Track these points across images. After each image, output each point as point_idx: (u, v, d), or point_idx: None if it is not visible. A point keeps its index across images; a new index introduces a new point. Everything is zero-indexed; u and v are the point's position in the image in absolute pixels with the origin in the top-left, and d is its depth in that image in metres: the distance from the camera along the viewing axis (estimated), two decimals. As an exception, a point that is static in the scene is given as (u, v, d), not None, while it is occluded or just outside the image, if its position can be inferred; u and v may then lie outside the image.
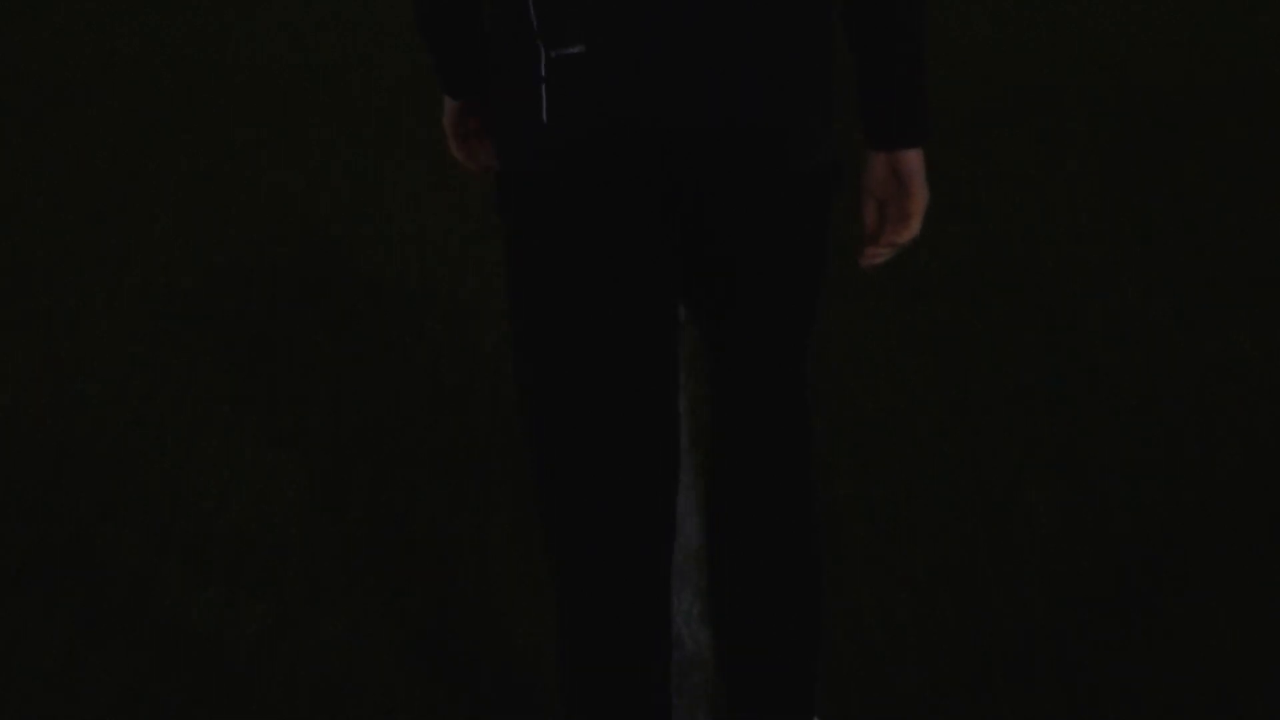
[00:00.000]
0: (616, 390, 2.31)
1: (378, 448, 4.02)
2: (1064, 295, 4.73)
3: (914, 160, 2.36)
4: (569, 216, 2.24)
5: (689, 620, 3.27)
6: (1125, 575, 3.44)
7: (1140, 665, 3.15)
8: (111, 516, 3.75)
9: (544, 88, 2.20)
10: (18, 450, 4.06)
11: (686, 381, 3.64)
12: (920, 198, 2.39)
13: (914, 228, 2.41)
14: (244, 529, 3.70)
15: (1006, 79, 6.65)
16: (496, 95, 2.29)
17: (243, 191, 5.62)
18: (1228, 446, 3.95)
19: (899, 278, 4.78)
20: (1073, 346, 4.43)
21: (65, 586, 3.49)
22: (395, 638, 3.31)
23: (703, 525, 2.83)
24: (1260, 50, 6.85)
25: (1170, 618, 3.29)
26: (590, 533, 2.39)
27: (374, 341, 4.53)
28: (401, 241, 5.17)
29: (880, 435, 4.00)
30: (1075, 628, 3.26)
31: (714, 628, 2.68)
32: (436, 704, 3.10)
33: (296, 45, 7.20)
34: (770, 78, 2.20)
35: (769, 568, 2.56)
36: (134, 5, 7.77)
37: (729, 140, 2.21)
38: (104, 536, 3.67)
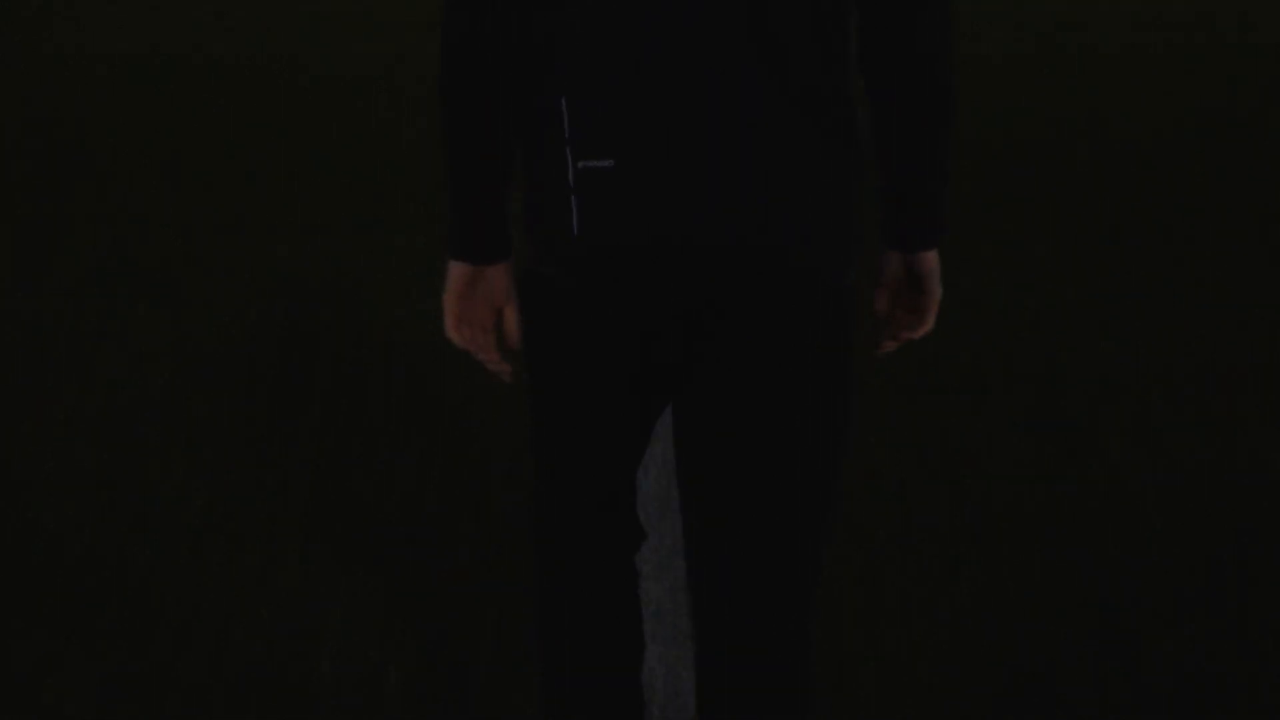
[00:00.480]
0: (595, 472, 2.39)
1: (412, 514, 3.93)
2: (1080, 400, 4.50)
3: (931, 260, 2.35)
4: (589, 326, 2.27)
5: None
6: (1151, 700, 3.22)
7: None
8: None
9: (574, 199, 2.21)
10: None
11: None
12: (935, 295, 2.38)
13: (928, 323, 2.41)
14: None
15: (1016, 173, 6.52)
16: (527, 201, 2.27)
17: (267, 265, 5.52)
18: (1251, 560, 3.69)
19: (907, 375, 4.54)
20: (1090, 456, 4.18)
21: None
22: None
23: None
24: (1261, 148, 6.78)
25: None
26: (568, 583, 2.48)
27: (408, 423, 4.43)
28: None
29: (890, 571, 3.65)
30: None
31: None
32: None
33: (309, 112, 7.11)
34: (798, 199, 2.20)
35: None
36: (162, 78, 7.70)
37: (756, 259, 2.20)
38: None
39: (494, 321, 2.34)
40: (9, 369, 4.61)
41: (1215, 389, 4.55)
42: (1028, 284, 5.29)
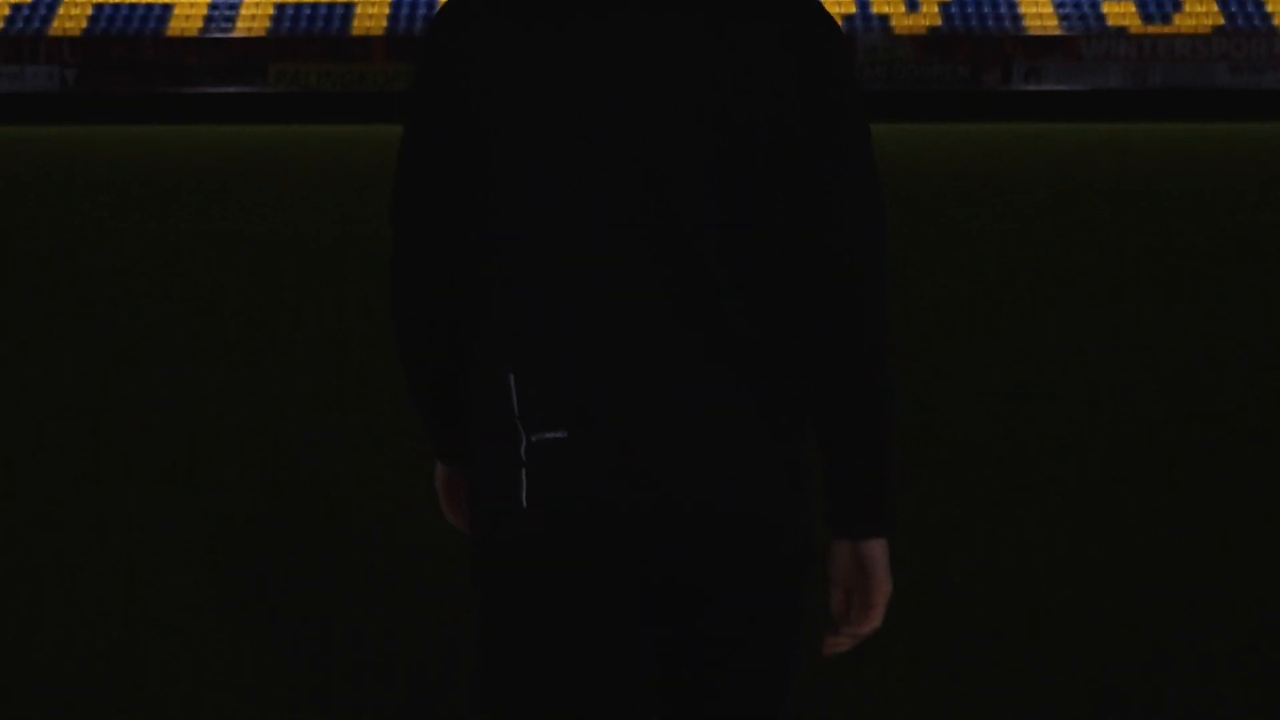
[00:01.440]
0: None
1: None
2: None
3: (877, 550, 2.31)
4: (541, 598, 2.23)
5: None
6: None
7: None
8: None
9: (524, 472, 2.21)
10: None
11: None
12: (883, 588, 2.32)
13: (875, 619, 2.34)
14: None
15: (973, 470, 6.55)
16: (476, 471, 2.26)
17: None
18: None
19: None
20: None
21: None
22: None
23: None
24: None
25: None
26: None
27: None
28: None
29: None
30: None
31: None
32: None
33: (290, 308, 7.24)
34: (748, 468, 2.22)
35: None
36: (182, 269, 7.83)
37: (706, 526, 2.21)
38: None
39: None
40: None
41: None
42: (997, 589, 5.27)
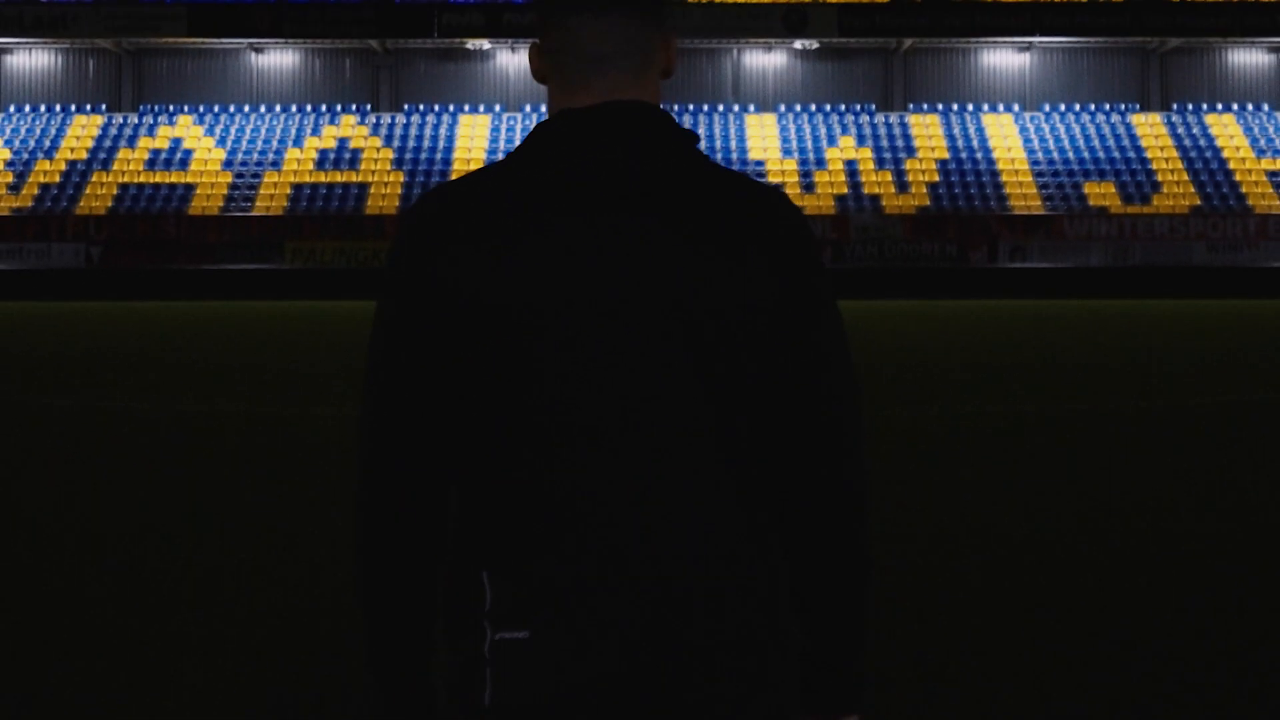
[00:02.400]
0: None
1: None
2: None
3: None
4: None
5: None
6: None
7: None
8: None
9: (488, 670, 2.12)
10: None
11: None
12: None
13: None
14: None
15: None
16: (443, 671, 2.18)
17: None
18: None
19: None
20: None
21: None
22: None
23: None
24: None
25: None
26: None
27: None
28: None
29: None
30: None
31: None
32: None
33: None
34: (717, 653, 2.13)
35: None
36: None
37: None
38: None
39: None
40: None
41: None
42: None
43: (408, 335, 2.16)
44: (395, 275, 2.19)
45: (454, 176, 64.35)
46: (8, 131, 68.13)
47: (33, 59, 70.92)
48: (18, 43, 68.41)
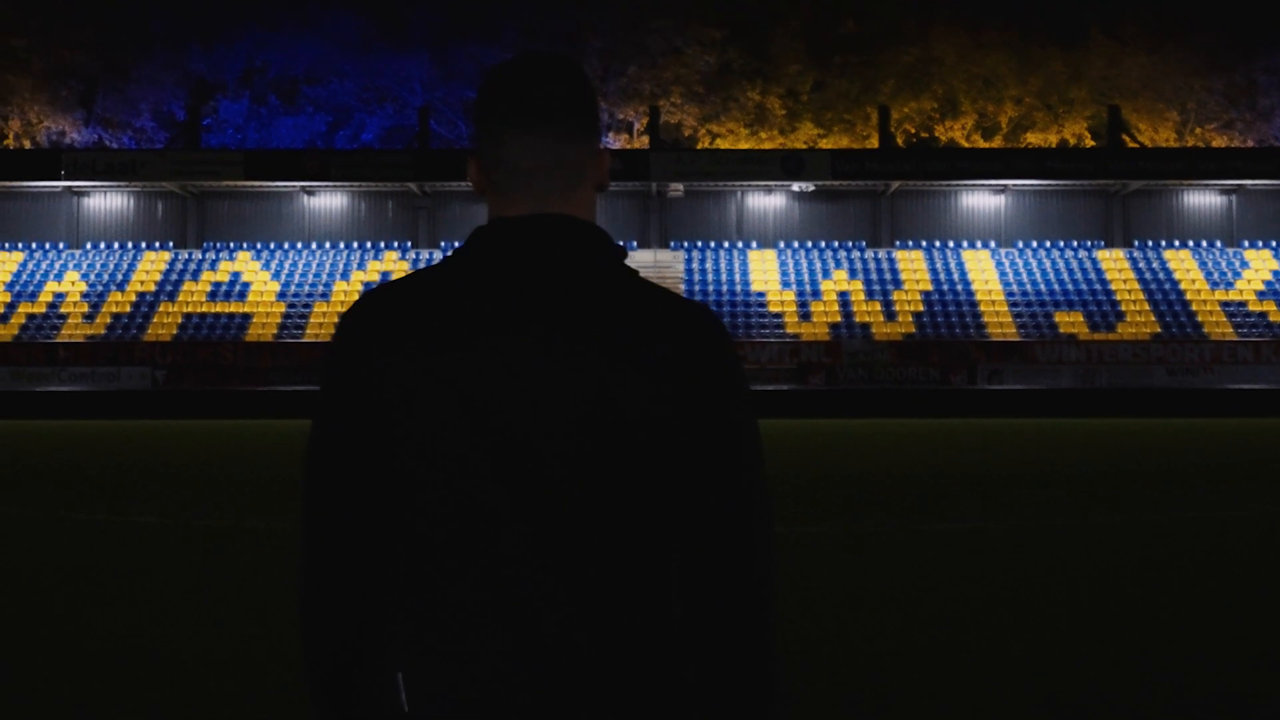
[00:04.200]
0: None
1: None
2: None
3: None
4: None
5: None
6: None
7: None
8: None
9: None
10: None
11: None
12: None
13: None
14: None
15: None
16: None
17: None
18: None
19: None
20: None
21: None
22: None
23: None
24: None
25: None
26: None
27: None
28: None
29: None
30: None
31: None
32: None
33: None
34: None
35: None
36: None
37: None
38: None
39: None
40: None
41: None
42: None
43: (335, 428, 2.13)
44: (327, 374, 2.16)
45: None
46: (84, 266, 68.71)
47: (107, 201, 71.65)
48: (94, 186, 69.10)
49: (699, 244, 71.31)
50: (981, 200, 71.31)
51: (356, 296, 66.61)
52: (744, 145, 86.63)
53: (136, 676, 7.84)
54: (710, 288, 67.03)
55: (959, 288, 66.53)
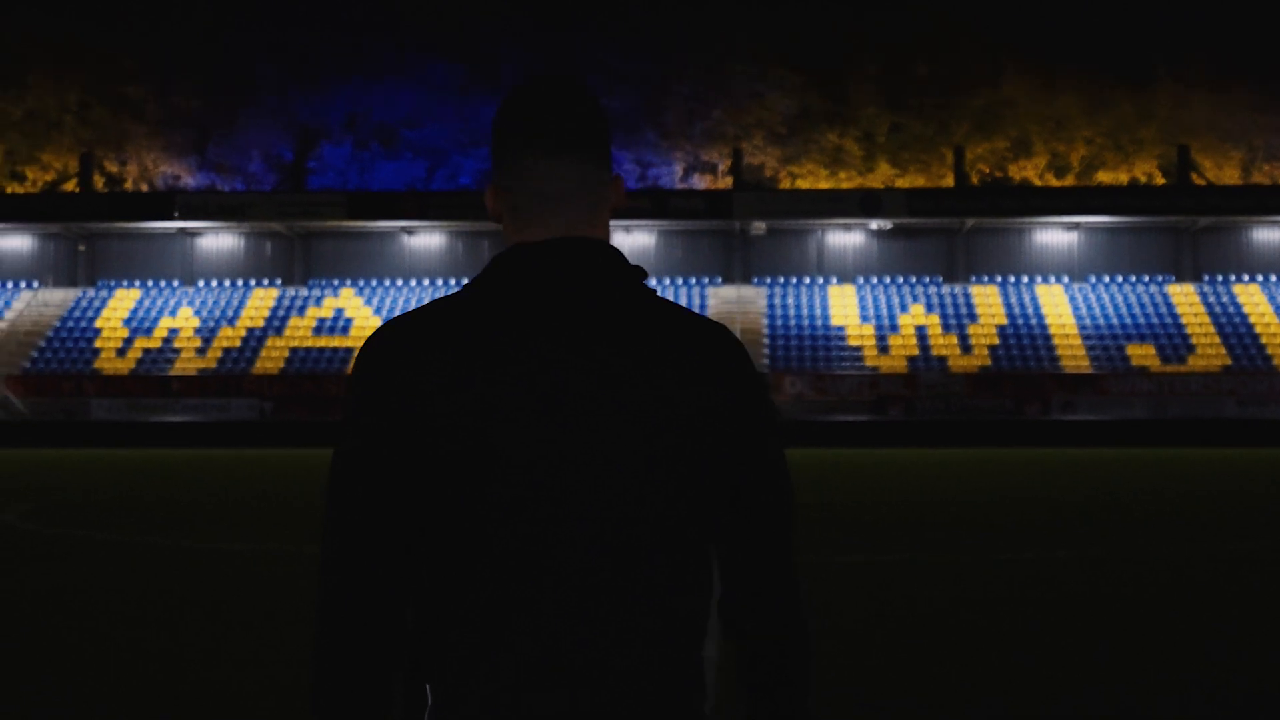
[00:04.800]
0: None
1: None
2: None
3: None
4: None
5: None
6: None
7: None
8: None
9: None
10: None
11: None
12: None
13: None
14: None
15: None
16: None
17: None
18: None
19: None
20: None
21: None
22: None
23: None
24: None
25: None
26: None
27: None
28: None
29: None
30: None
31: None
32: None
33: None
34: None
35: None
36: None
37: None
38: None
39: None
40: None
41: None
42: None
43: (369, 463, 1.95)
44: (357, 405, 1.99)
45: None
46: (197, 303, 69.81)
47: (219, 240, 72.81)
48: (206, 226, 70.24)
49: (780, 280, 71.41)
50: (1054, 237, 70.94)
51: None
52: (823, 185, 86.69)
53: (201, 704, 7.95)
54: (791, 322, 67.10)
55: (1033, 321, 66.19)
